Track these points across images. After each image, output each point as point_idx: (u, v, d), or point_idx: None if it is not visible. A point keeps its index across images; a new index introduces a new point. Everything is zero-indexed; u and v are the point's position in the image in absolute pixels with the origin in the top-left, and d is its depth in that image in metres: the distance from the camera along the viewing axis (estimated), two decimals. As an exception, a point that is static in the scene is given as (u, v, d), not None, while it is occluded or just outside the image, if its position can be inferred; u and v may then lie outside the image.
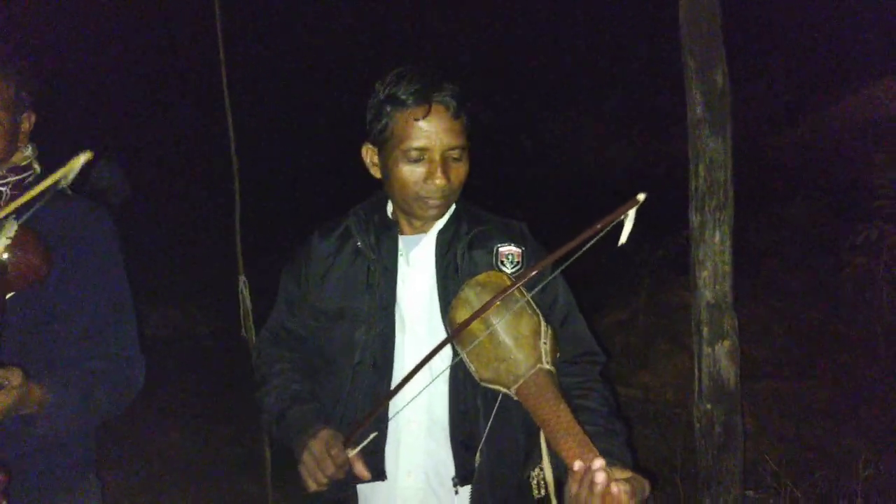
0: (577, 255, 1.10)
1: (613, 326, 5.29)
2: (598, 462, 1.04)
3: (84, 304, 1.40)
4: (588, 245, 1.08)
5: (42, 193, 1.27)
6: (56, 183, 1.25)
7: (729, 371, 2.26)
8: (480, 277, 1.28)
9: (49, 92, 1.54)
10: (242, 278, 2.56)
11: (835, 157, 6.00)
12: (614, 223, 1.06)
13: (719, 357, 2.26)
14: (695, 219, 2.36)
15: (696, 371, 2.37)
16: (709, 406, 2.28)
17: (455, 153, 1.37)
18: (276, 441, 1.48)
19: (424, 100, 1.33)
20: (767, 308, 4.81)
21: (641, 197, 1.05)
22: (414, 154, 1.34)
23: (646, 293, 5.48)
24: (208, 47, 2.54)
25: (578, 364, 1.44)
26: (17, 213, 1.35)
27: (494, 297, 1.18)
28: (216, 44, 2.42)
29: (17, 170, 1.42)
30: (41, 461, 1.38)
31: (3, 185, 1.39)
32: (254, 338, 2.43)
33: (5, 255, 1.26)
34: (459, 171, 1.39)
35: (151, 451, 4.05)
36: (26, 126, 1.46)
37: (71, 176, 1.26)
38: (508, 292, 1.18)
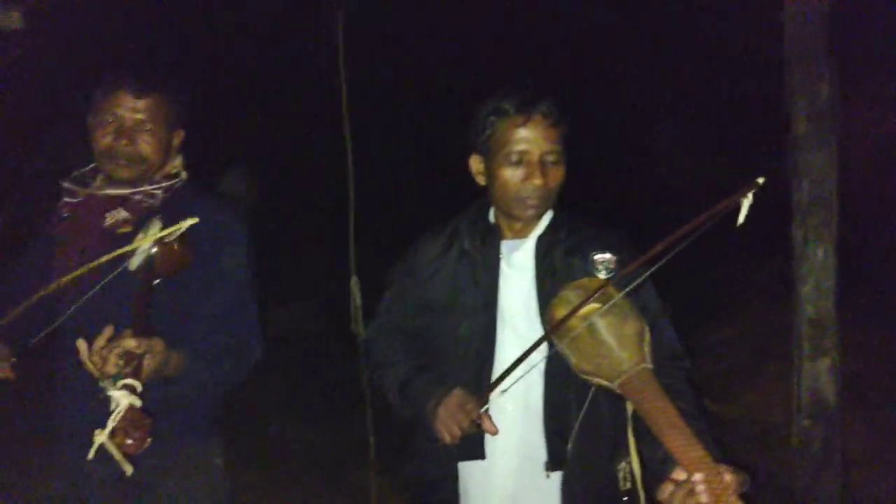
0: (691, 239, 1.15)
1: (721, 343, 5.14)
2: (699, 476, 1.10)
3: (215, 289, 1.65)
4: (702, 229, 1.14)
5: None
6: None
7: (829, 388, 2.22)
8: (582, 281, 1.40)
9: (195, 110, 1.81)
10: (354, 278, 2.73)
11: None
12: (731, 207, 1.11)
13: (819, 374, 2.22)
14: (797, 234, 2.33)
15: (795, 387, 2.33)
16: (807, 423, 2.24)
17: (552, 157, 1.51)
18: (401, 409, 1.60)
19: (524, 109, 1.49)
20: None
21: (761, 180, 1.09)
22: (514, 157, 1.50)
23: (755, 309, 5.29)
24: (328, 50, 2.70)
25: (667, 367, 1.49)
26: (163, 213, 1.61)
27: (590, 294, 1.29)
28: (336, 46, 2.58)
29: (168, 177, 1.71)
30: (176, 418, 1.62)
31: (157, 189, 1.68)
32: (363, 335, 2.59)
33: (154, 249, 1.50)
34: (556, 174, 1.52)
35: (264, 441, 4.32)
36: (177, 141, 1.75)
37: (178, 233, 1.50)
38: (602, 290, 1.29)
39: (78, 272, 1.48)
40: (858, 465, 2.90)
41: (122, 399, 1.29)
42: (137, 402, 1.30)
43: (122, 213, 1.62)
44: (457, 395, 1.43)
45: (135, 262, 1.50)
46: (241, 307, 1.69)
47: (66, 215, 1.66)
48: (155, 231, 1.52)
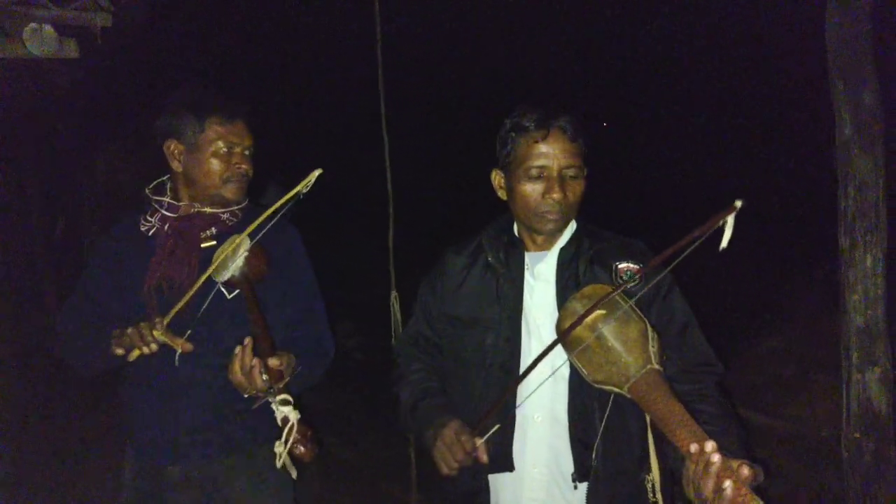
0: (675, 263, 1.17)
1: (766, 355, 5.02)
2: (711, 444, 1.10)
3: (288, 297, 1.77)
4: (686, 252, 1.15)
5: (277, 210, 1.59)
6: (294, 196, 1.55)
7: (880, 399, 2.16)
8: (586, 290, 1.39)
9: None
10: (394, 293, 2.76)
11: None
12: (712, 230, 1.11)
13: (869, 384, 2.17)
14: (844, 241, 2.29)
15: (844, 399, 2.28)
16: (857, 435, 2.19)
17: (571, 171, 1.53)
18: (408, 430, 1.66)
19: (544, 125, 1.51)
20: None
21: (739, 204, 1.10)
22: (534, 172, 1.52)
23: (802, 319, 5.16)
24: (365, 67, 2.76)
25: (695, 373, 1.51)
26: (240, 230, 1.69)
27: (595, 304, 1.28)
28: (374, 64, 2.63)
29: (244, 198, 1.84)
30: (247, 422, 1.73)
31: (239, 209, 1.80)
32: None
33: (242, 263, 1.60)
34: (576, 188, 1.55)
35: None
36: None
37: (307, 188, 1.54)
38: (608, 299, 1.28)
39: (198, 284, 1.60)
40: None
41: (290, 414, 1.42)
42: (299, 414, 1.43)
43: (213, 230, 1.74)
44: (452, 427, 1.44)
45: (223, 275, 1.60)
46: (314, 311, 1.82)
47: (165, 228, 1.75)
48: (244, 242, 1.60)
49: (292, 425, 1.41)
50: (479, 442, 1.42)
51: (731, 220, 1.09)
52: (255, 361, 1.47)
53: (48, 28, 2.33)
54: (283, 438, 1.41)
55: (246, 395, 1.50)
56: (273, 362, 1.48)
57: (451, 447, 1.41)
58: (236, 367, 1.47)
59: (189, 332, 1.61)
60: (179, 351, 1.60)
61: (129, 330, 1.57)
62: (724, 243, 1.10)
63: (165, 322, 1.58)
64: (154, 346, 1.57)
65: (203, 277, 1.59)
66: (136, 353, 1.59)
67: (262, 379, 1.46)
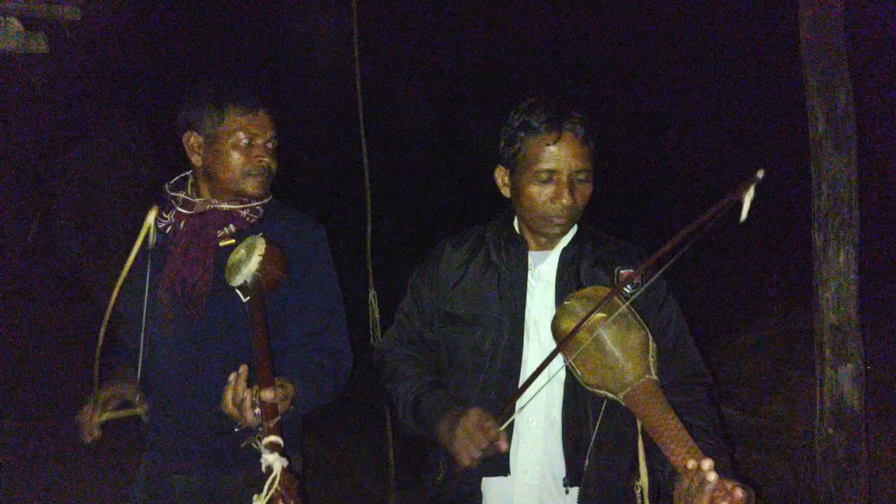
0: (693, 240, 1.09)
1: (743, 351, 5.06)
2: (708, 462, 1.09)
3: (308, 306, 1.66)
4: (705, 228, 1.07)
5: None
6: None
7: (853, 395, 2.19)
8: (586, 290, 1.36)
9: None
10: (372, 292, 2.74)
11: None
12: (732, 203, 1.03)
13: (842, 380, 2.19)
14: (817, 238, 2.31)
15: (817, 395, 2.30)
16: (830, 431, 2.21)
17: (581, 175, 1.48)
18: (410, 427, 1.55)
19: (555, 127, 1.45)
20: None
21: (761, 174, 1.03)
22: (544, 176, 1.46)
23: (777, 316, 5.21)
24: (342, 64, 2.72)
25: (686, 385, 1.48)
26: (263, 228, 1.63)
27: (597, 305, 1.25)
28: (351, 61, 2.59)
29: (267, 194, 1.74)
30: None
31: (260, 205, 1.69)
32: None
33: (258, 270, 1.49)
34: (585, 192, 1.50)
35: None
36: None
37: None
38: (610, 298, 1.25)
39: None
40: (883, 473, 2.85)
41: (275, 463, 1.24)
42: (285, 462, 1.26)
43: (231, 227, 1.65)
44: (474, 414, 1.36)
45: (236, 280, 1.50)
46: (334, 321, 1.71)
47: (181, 226, 1.66)
48: (258, 244, 1.51)
49: (275, 476, 1.23)
50: (503, 428, 1.35)
51: (751, 191, 1.02)
52: (247, 393, 1.35)
53: (14, 21, 2.27)
54: (265, 492, 1.22)
55: (236, 429, 1.39)
56: (267, 395, 1.32)
57: (474, 435, 1.33)
58: (228, 397, 1.37)
59: (138, 396, 1.59)
60: (143, 414, 1.56)
61: (77, 417, 1.56)
62: (744, 215, 1.03)
63: (104, 417, 1.56)
64: (97, 434, 1.55)
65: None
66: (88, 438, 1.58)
67: (253, 413, 1.34)
